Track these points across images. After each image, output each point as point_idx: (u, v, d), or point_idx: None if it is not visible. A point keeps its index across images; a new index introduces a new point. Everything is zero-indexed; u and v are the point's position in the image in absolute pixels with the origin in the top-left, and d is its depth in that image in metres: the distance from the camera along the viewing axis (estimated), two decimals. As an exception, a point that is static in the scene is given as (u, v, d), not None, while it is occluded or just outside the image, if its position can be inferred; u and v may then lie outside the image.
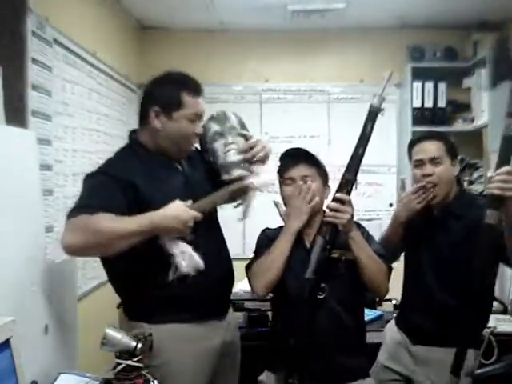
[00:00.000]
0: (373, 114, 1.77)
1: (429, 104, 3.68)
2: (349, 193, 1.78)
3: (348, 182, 1.78)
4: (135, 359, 1.48)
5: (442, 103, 3.69)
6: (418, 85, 3.66)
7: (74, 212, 1.58)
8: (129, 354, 1.48)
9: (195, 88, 1.77)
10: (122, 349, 1.49)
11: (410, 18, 3.61)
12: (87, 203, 1.59)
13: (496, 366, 2.03)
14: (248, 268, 1.93)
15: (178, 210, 1.60)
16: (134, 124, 3.76)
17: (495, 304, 2.53)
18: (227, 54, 3.84)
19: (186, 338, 1.72)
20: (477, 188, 3.54)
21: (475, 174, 3.65)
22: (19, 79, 1.96)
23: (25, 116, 1.98)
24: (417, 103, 3.67)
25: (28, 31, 2.01)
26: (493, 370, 2.01)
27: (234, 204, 1.87)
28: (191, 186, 1.79)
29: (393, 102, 3.86)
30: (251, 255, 1.96)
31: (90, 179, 1.69)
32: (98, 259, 2.69)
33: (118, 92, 3.25)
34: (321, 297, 1.75)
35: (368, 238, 1.90)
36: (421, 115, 3.67)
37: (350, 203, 1.77)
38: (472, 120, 3.64)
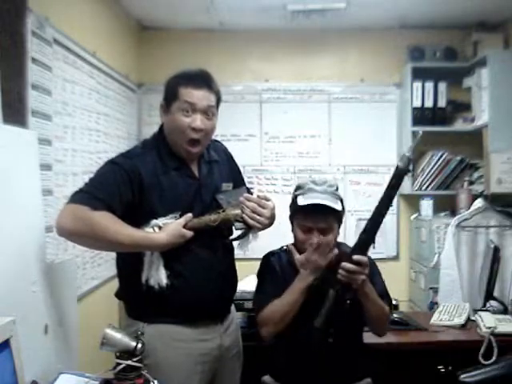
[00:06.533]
0: (399, 177, 1.65)
1: (429, 104, 3.68)
2: (365, 253, 1.74)
3: (366, 243, 1.74)
4: (135, 359, 1.47)
5: (442, 103, 3.69)
6: (417, 85, 3.66)
7: (79, 197, 1.61)
8: (129, 353, 1.48)
9: (193, 80, 1.72)
10: (122, 349, 1.48)
11: (410, 18, 3.61)
12: (95, 193, 1.61)
13: (495, 366, 2.02)
14: (257, 309, 1.90)
15: (174, 233, 1.64)
16: (134, 124, 3.78)
17: (495, 304, 2.54)
18: (227, 54, 3.85)
19: (176, 338, 1.72)
20: (477, 188, 3.54)
21: (475, 174, 3.65)
22: (19, 79, 1.95)
23: (25, 116, 1.98)
24: (417, 103, 3.67)
25: (28, 31, 2.01)
26: (490, 371, 2.01)
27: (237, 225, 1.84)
28: (202, 194, 1.77)
29: (393, 101, 3.87)
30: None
31: (107, 167, 1.71)
32: (97, 260, 2.70)
33: (117, 92, 3.25)
34: (330, 340, 1.77)
35: (373, 274, 1.87)
36: (421, 115, 3.67)
37: (366, 265, 1.74)
38: (472, 120, 3.64)
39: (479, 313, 2.40)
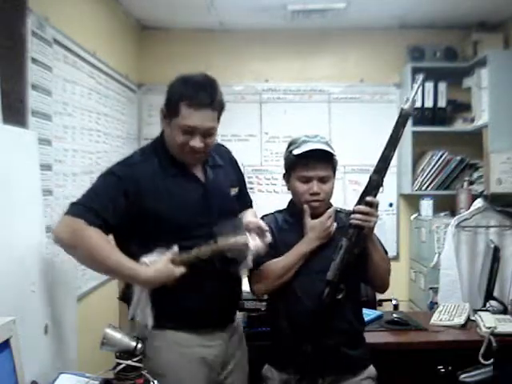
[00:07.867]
0: (404, 118, 1.75)
1: (429, 104, 3.69)
2: (375, 195, 1.77)
3: (376, 184, 1.77)
4: (135, 359, 1.47)
5: (442, 103, 3.70)
6: (418, 85, 3.66)
7: (76, 209, 1.60)
8: (129, 353, 1.48)
9: (197, 95, 1.64)
10: (122, 349, 1.48)
11: (410, 18, 3.61)
12: (90, 205, 1.60)
13: (487, 368, 2.02)
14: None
15: (161, 269, 1.59)
16: (134, 124, 3.78)
17: (495, 304, 2.54)
18: (227, 54, 3.85)
19: (180, 344, 1.70)
20: (477, 188, 3.54)
21: (475, 174, 3.65)
22: (19, 79, 1.95)
23: (25, 116, 1.98)
24: (417, 103, 3.67)
25: (28, 31, 2.01)
26: (490, 371, 2.01)
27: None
28: (209, 199, 1.74)
29: (393, 102, 3.87)
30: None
31: (103, 177, 1.69)
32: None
33: (117, 92, 3.25)
34: (339, 297, 1.76)
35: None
36: (421, 115, 3.68)
37: (377, 206, 1.76)
38: (472, 120, 3.64)
39: (479, 313, 2.40)
